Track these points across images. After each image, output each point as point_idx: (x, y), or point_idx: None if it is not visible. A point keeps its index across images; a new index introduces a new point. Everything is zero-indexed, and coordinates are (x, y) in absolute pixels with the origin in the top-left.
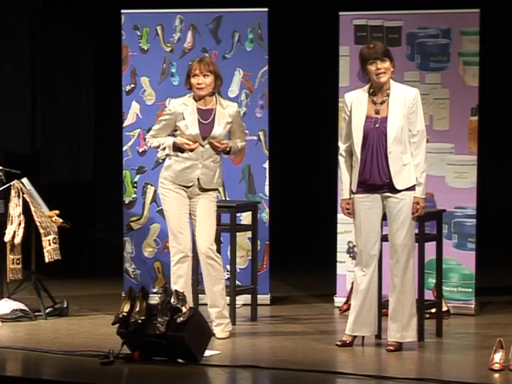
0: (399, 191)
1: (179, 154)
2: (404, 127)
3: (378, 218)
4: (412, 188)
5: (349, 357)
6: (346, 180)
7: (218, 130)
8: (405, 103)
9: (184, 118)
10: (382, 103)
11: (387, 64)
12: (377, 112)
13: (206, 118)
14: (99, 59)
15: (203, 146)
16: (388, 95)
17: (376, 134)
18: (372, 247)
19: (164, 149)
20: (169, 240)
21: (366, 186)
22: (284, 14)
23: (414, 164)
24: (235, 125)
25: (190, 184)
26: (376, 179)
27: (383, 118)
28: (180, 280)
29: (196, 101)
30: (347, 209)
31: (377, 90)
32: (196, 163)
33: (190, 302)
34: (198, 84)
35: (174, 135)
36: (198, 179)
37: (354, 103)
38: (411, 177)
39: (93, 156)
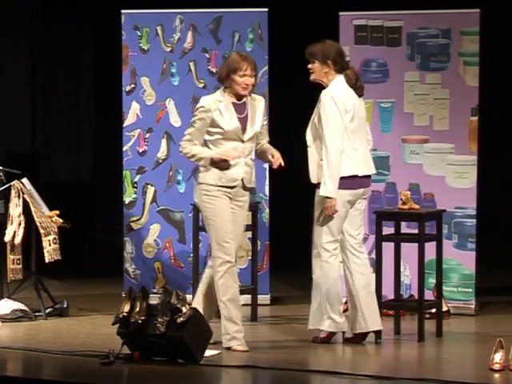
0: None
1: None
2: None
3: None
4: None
5: (348, 357)
6: None
7: (256, 122)
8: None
9: (222, 114)
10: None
11: (309, 65)
12: None
13: (241, 112)
14: (99, 59)
15: (243, 142)
16: None
17: None
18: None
19: (198, 160)
20: (212, 249)
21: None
22: (284, 14)
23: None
24: (266, 119)
25: (235, 184)
26: None
27: None
28: (230, 290)
29: (229, 95)
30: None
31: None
32: (239, 161)
33: (240, 309)
34: (246, 84)
35: (205, 142)
36: (242, 178)
37: None
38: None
39: (93, 156)
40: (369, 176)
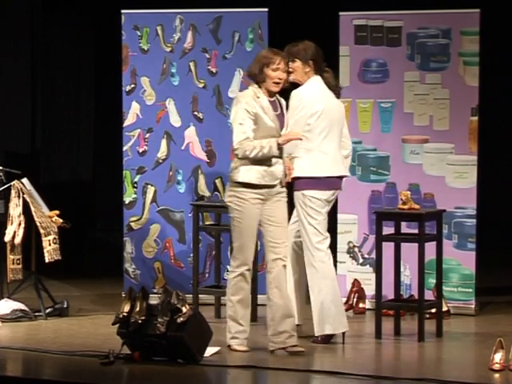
0: None
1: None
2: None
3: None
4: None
5: (348, 357)
6: None
7: (287, 118)
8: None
9: (264, 110)
10: None
11: (289, 64)
12: None
13: (276, 109)
14: (99, 59)
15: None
16: None
17: None
18: None
19: (268, 150)
20: (233, 250)
21: None
22: (284, 14)
23: None
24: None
25: (276, 182)
26: None
27: None
28: (241, 292)
29: (263, 93)
30: None
31: None
32: (278, 159)
33: (248, 310)
34: (279, 79)
35: None
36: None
37: None
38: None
39: (93, 156)
40: (340, 177)
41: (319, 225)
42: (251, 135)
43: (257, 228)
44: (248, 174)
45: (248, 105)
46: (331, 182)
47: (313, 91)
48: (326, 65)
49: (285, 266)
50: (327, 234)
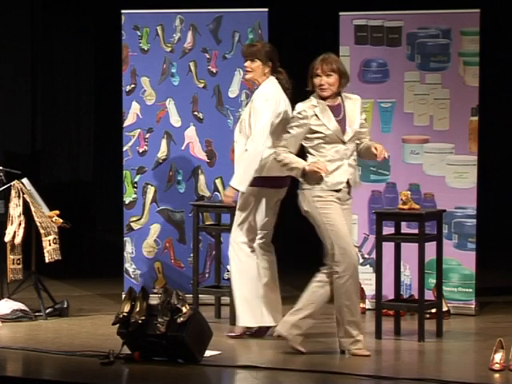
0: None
1: (320, 158)
2: (245, 120)
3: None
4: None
5: (348, 357)
6: None
7: (353, 121)
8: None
9: (319, 119)
10: None
11: (247, 63)
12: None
13: (338, 113)
14: (99, 59)
15: (344, 143)
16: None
17: None
18: None
19: (290, 169)
20: (334, 255)
21: None
22: (284, 13)
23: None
24: (364, 118)
25: (340, 186)
26: None
27: None
28: (354, 296)
29: (323, 99)
30: None
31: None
32: (342, 163)
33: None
34: (321, 85)
35: (305, 152)
36: (348, 181)
37: None
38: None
39: (93, 156)
40: (288, 177)
41: (260, 222)
42: (292, 144)
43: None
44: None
45: (301, 115)
46: (282, 181)
47: (275, 92)
48: (279, 65)
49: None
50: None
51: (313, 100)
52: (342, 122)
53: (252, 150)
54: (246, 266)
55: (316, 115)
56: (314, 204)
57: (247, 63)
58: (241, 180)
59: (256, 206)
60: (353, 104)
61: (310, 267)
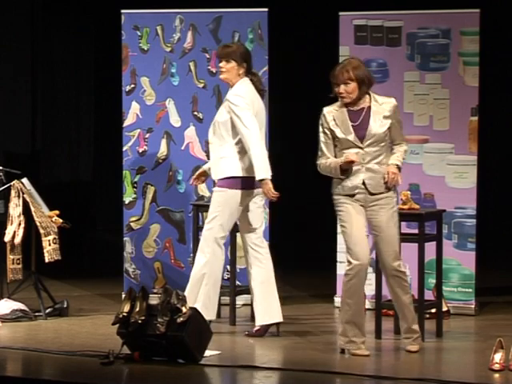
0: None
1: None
2: (224, 122)
3: None
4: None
5: (349, 357)
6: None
7: (374, 126)
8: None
9: (337, 125)
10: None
11: (222, 64)
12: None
13: (356, 119)
14: (99, 59)
15: (362, 149)
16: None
17: None
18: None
19: (333, 174)
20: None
21: None
22: (284, 13)
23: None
24: (395, 121)
25: (355, 191)
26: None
27: None
28: (356, 295)
29: (345, 104)
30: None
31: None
32: (358, 168)
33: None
34: (340, 93)
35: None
36: (365, 185)
37: None
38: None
39: (93, 156)
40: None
41: (227, 223)
42: (326, 151)
43: (362, 227)
44: (333, 185)
45: (322, 120)
46: (254, 182)
47: (250, 93)
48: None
49: (394, 275)
50: (227, 234)
51: (335, 104)
52: (359, 127)
53: (255, 143)
54: (213, 262)
55: (334, 120)
56: (335, 204)
57: (222, 63)
58: (264, 168)
59: (229, 207)
60: (380, 108)
61: (310, 267)
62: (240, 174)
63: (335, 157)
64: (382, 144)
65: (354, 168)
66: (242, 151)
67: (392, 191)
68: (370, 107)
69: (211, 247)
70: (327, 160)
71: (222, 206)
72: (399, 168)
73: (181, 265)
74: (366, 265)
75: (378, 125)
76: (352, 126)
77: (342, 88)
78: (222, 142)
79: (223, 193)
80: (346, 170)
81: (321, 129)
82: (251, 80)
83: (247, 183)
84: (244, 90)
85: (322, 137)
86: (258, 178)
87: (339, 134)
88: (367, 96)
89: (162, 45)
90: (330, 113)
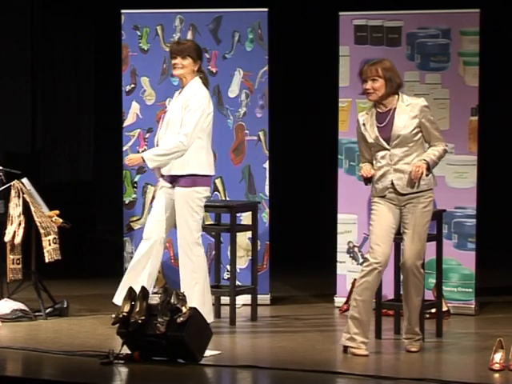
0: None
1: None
2: (178, 118)
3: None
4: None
5: (349, 357)
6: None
7: (399, 126)
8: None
9: (366, 129)
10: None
11: (177, 60)
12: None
13: (382, 120)
14: (99, 59)
15: (389, 150)
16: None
17: None
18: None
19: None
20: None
21: None
22: (284, 13)
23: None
24: (425, 121)
25: (385, 193)
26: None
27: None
28: (366, 293)
29: (376, 106)
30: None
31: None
32: (388, 169)
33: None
34: (367, 89)
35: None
36: (394, 185)
37: None
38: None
39: (93, 156)
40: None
41: (201, 220)
42: (364, 153)
43: (387, 228)
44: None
45: (357, 124)
46: (210, 180)
47: (205, 91)
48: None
49: (412, 273)
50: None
51: (370, 108)
52: (384, 129)
53: (180, 145)
54: (199, 264)
55: (364, 124)
56: (371, 205)
57: (178, 60)
58: (155, 159)
59: (194, 205)
60: (406, 108)
61: (310, 267)
62: (205, 172)
63: (372, 159)
64: (411, 144)
65: (384, 170)
66: (202, 148)
67: (428, 191)
68: (395, 108)
69: (193, 250)
70: (362, 164)
71: (193, 204)
72: (428, 164)
73: None
74: (382, 265)
75: (402, 125)
76: (378, 127)
77: (369, 84)
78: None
79: (191, 191)
80: (368, 178)
81: (357, 131)
82: (201, 78)
83: (209, 181)
84: (202, 90)
85: (358, 138)
86: (144, 154)
87: (368, 138)
88: (396, 97)
89: (161, 45)
90: (362, 117)
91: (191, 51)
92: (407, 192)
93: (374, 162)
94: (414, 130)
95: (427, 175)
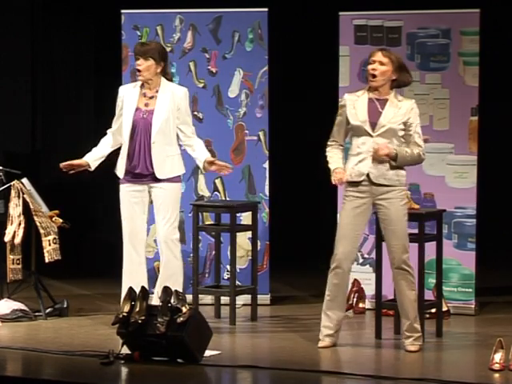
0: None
1: (351, 150)
2: (170, 120)
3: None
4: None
5: (349, 357)
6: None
7: (388, 117)
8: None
9: (354, 108)
10: (151, 98)
11: (139, 61)
12: (146, 105)
13: (373, 107)
14: (99, 59)
15: (372, 137)
16: (157, 91)
17: (143, 124)
18: (138, 233)
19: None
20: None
21: (132, 174)
22: (284, 13)
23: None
24: (410, 123)
25: (361, 178)
26: (142, 168)
27: (151, 111)
28: (330, 290)
29: (370, 91)
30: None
31: (146, 85)
32: (366, 156)
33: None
34: (372, 69)
35: None
36: (368, 173)
37: (126, 96)
38: (174, 168)
39: None
40: None
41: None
42: (336, 135)
43: (351, 227)
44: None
45: (341, 103)
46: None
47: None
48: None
49: (401, 268)
50: None
51: (361, 90)
52: (373, 114)
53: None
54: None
55: (353, 105)
56: (343, 195)
57: (140, 61)
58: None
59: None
60: (398, 104)
61: (310, 267)
62: (184, 171)
63: (344, 143)
64: (394, 139)
65: (362, 156)
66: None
67: (401, 186)
68: (388, 100)
69: (178, 247)
70: (331, 157)
71: (178, 203)
72: (396, 154)
73: None
74: (342, 261)
75: (391, 116)
76: (369, 113)
77: (376, 66)
78: (167, 141)
79: (178, 189)
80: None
81: (339, 111)
82: (167, 79)
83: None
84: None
85: (337, 119)
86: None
87: (352, 119)
88: (392, 91)
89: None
90: (352, 98)
91: (154, 53)
92: (379, 183)
93: (351, 148)
94: (399, 125)
95: (392, 165)
